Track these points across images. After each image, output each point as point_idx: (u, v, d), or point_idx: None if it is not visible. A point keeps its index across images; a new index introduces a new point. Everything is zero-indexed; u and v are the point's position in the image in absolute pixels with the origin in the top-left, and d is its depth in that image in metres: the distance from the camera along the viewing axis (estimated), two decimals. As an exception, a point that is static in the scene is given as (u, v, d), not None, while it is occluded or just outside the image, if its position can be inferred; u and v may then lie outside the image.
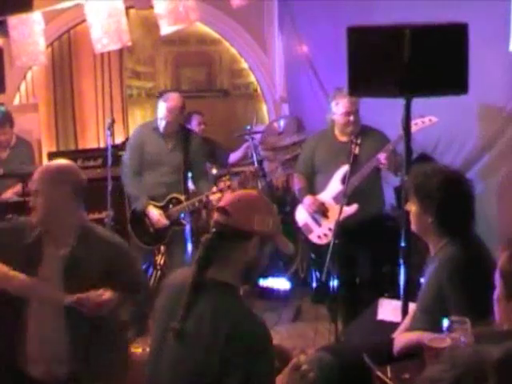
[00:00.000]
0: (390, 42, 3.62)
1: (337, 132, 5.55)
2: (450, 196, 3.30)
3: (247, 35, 8.48)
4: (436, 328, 2.91)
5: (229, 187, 5.65)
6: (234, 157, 7.46)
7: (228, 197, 2.69)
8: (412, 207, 3.39)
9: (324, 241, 5.39)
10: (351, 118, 5.40)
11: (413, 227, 3.46)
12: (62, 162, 3.64)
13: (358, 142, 5.29)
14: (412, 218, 3.43)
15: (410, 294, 3.84)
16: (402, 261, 3.92)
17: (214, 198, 5.60)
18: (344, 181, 5.27)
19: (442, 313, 2.95)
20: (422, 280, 3.56)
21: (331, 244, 4.85)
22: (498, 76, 5.19)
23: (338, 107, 5.43)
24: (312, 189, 5.63)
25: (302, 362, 2.43)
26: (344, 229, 5.18)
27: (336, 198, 5.38)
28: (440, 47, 3.59)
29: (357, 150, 5.30)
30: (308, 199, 5.55)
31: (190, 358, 2.42)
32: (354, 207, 5.33)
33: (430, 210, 3.30)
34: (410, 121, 3.82)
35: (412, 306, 3.70)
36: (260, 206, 2.61)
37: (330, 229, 5.35)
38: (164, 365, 2.54)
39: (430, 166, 3.51)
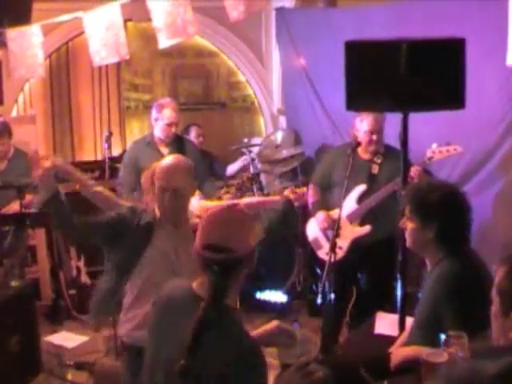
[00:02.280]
0: (387, 57, 3.62)
1: (359, 149, 5.31)
2: (451, 210, 3.30)
3: (245, 48, 8.50)
4: (432, 343, 2.90)
5: (227, 193, 5.66)
6: (231, 169, 7.46)
7: (211, 228, 2.54)
8: (409, 224, 3.37)
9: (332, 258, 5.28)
10: (374, 137, 5.21)
11: (409, 244, 3.44)
12: None
13: (379, 161, 5.24)
14: (409, 235, 3.40)
15: (407, 308, 3.83)
16: (398, 275, 3.92)
17: None
18: (359, 200, 5.25)
19: (439, 328, 2.95)
20: (419, 294, 3.55)
21: (327, 261, 4.84)
22: (496, 90, 5.21)
23: (362, 124, 5.23)
24: (326, 202, 5.48)
25: (309, 361, 2.43)
26: (354, 248, 5.19)
27: (350, 217, 5.30)
28: (437, 62, 3.60)
29: (376, 170, 5.25)
30: (321, 215, 5.40)
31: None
32: (366, 228, 5.27)
33: (430, 225, 3.28)
34: (407, 135, 3.82)
35: (410, 321, 3.69)
36: (249, 222, 2.57)
37: (340, 247, 5.22)
38: (159, 380, 2.53)
39: (426, 182, 3.51)
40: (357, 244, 5.27)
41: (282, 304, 6.53)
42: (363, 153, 5.33)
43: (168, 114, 5.69)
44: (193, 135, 7.26)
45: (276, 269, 6.36)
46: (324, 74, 7.04)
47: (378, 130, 5.21)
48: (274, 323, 2.91)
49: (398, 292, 3.90)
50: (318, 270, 6.10)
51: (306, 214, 6.27)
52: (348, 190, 5.19)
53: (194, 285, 2.58)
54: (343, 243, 5.28)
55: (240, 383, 2.37)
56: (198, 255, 2.50)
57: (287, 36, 7.82)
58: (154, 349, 2.61)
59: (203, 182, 5.92)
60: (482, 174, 5.47)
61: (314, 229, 5.55)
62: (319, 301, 4.82)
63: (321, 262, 5.55)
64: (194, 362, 2.35)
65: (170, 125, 5.71)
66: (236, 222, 2.55)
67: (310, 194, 5.58)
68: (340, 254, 5.26)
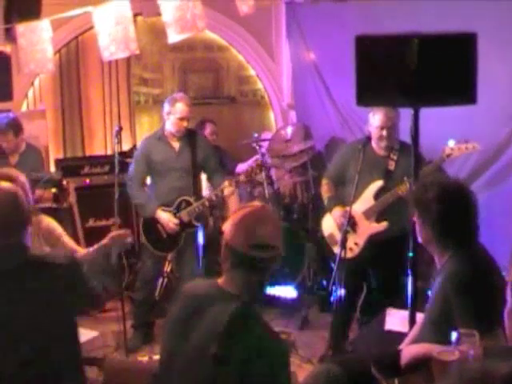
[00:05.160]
0: (398, 51, 3.59)
1: (374, 144, 5.28)
2: (447, 209, 3.27)
3: (255, 42, 8.48)
4: (443, 340, 2.89)
5: (237, 182, 5.71)
6: (240, 168, 7.44)
7: (253, 228, 2.61)
8: (416, 219, 3.40)
9: (349, 254, 5.14)
10: (384, 132, 5.13)
11: (419, 239, 3.46)
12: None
13: (395, 158, 5.21)
14: (417, 233, 3.43)
15: (417, 305, 3.82)
16: (409, 271, 3.90)
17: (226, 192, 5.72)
18: (377, 197, 5.21)
19: (449, 325, 2.94)
20: (429, 292, 3.54)
21: (337, 256, 4.81)
22: (507, 86, 5.18)
23: (374, 119, 5.17)
24: (341, 198, 5.40)
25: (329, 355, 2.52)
26: (370, 245, 5.17)
27: (367, 213, 5.24)
28: (448, 56, 3.56)
29: (392, 167, 5.22)
30: (338, 211, 5.31)
31: (206, 373, 2.44)
32: (383, 225, 5.21)
33: (426, 223, 3.30)
34: (418, 130, 3.79)
35: (420, 316, 3.68)
36: (277, 220, 2.75)
37: (356, 243, 5.24)
38: (175, 374, 2.54)
39: (430, 179, 3.50)
40: (373, 241, 5.24)
41: (292, 299, 6.52)
42: (378, 149, 5.27)
43: (180, 108, 5.71)
44: (208, 131, 7.26)
45: (286, 264, 6.34)
46: (334, 68, 7.03)
47: (388, 125, 5.13)
48: None
49: (409, 288, 3.89)
50: (333, 266, 6.06)
51: (318, 209, 6.26)
52: (364, 186, 5.19)
53: (220, 281, 2.66)
54: (359, 239, 5.25)
55: (263, 368, 2.44)
56: (242, 255, 2.57)
57: (297, 30, 7.81)
58: (174, 337, 2.66)
59: (214, 174, 5.97)
60: (492, 170, 5.44)
61: (329, 224, 5.47)
62: (332, 298, 4.81)
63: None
64: (225, 350, 2.46)
65: (182, 119, 5.73)
66: (272, 220, 2.69)
67: (325, 190, 5.53)
68: (356, 250, 5.25)
